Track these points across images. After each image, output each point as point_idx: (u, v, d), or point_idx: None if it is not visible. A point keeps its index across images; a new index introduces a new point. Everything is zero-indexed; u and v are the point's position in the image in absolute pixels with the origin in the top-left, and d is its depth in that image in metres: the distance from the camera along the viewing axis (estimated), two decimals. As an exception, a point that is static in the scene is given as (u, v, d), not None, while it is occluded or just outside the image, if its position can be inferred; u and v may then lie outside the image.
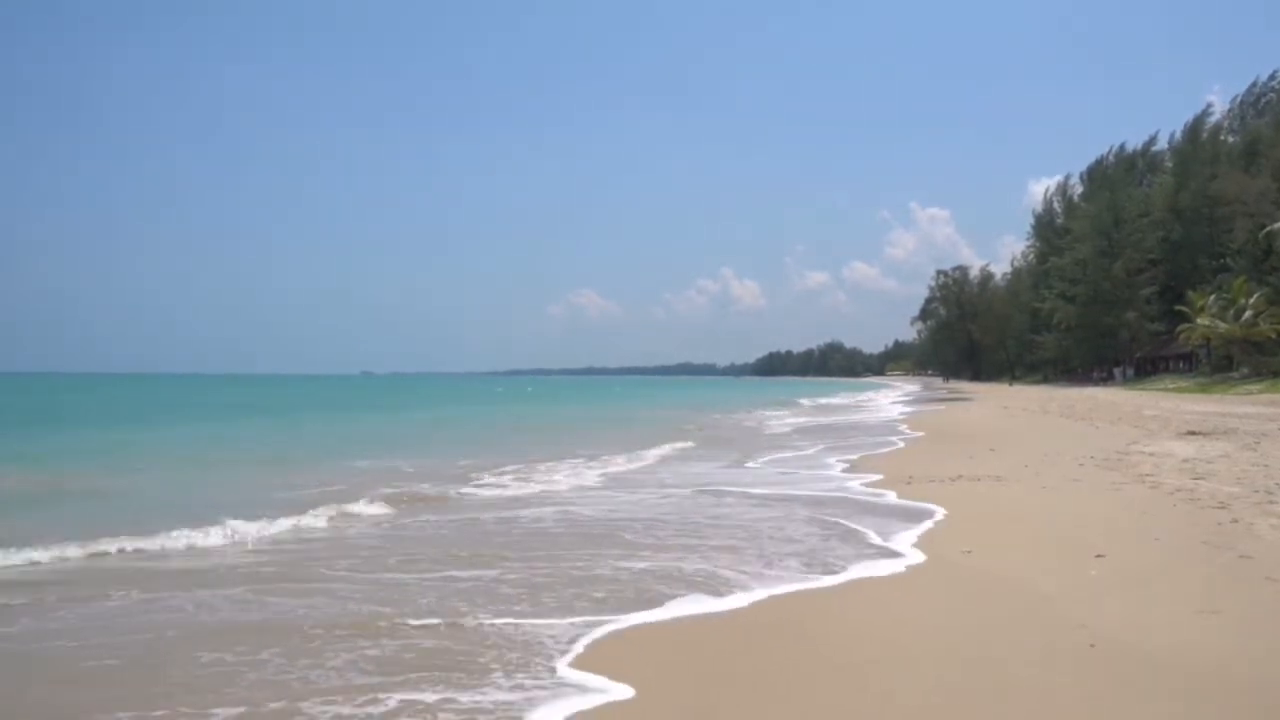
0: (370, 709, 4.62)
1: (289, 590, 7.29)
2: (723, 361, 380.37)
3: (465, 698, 4.77)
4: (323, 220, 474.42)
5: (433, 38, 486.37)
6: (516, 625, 6.13)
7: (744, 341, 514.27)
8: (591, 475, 16.09)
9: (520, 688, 4.93)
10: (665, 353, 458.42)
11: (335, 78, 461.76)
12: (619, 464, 18.05)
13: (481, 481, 15.06)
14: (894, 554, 8.50)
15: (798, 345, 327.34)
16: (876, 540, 9.19)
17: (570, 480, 15.32)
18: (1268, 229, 51.29)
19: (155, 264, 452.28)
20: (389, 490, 13.47)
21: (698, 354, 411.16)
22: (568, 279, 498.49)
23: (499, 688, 4.92)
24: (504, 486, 14.51)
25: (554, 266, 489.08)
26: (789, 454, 20.70)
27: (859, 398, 68.62)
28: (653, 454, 20.16)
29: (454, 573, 7.86)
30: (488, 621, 6.22)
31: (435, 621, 6.24)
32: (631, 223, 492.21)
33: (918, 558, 8.28)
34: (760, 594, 7.04)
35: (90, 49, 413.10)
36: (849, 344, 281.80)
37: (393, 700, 4.72)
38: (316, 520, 10.91)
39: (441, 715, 4.55)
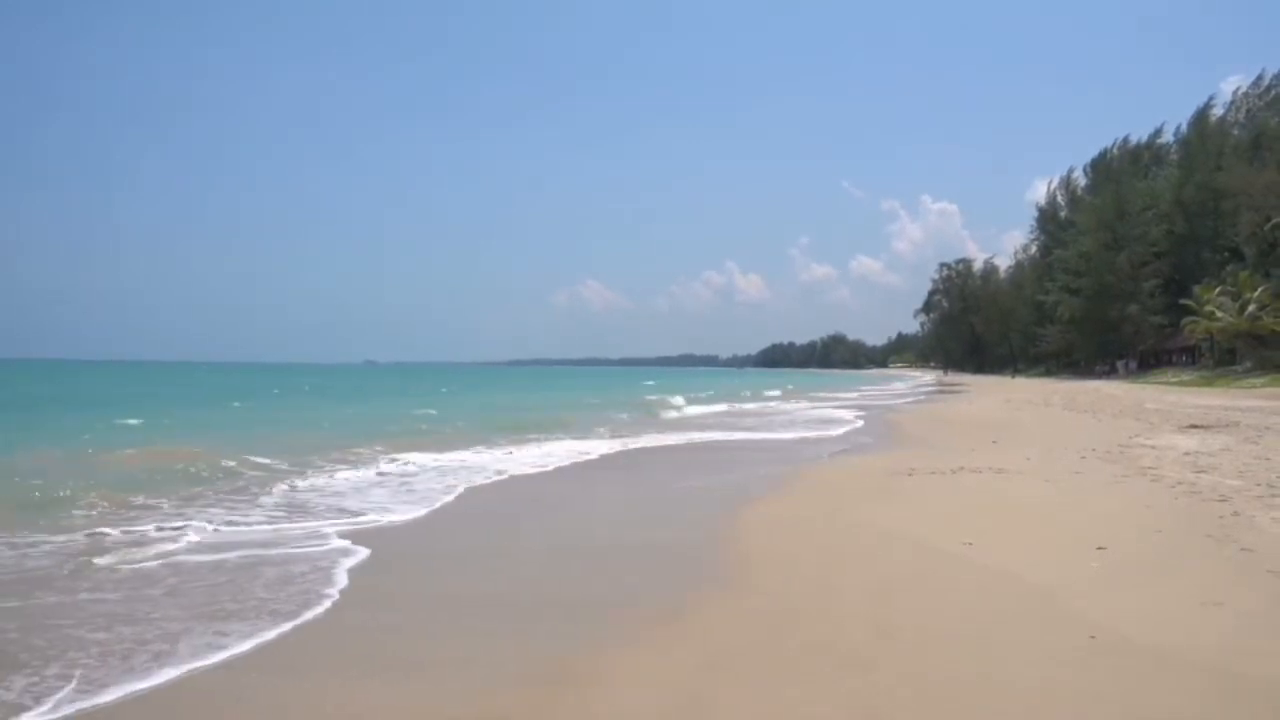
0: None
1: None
2: (725, 353, 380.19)
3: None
4: (327, 212, 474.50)
5: (443, 37, 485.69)
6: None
7: (747, 333, 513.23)
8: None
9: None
10: (667, 344, 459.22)
11: (343, 73, 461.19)
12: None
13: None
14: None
15: (800, 337, 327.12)
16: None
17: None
18: (1273, 222, 51.09)
19: (147, 261, 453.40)
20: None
21: (700, 345, 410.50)
22: (573, 270, 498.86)
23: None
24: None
25: (559, 257, 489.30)
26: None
27: (868, 390, 68.57)
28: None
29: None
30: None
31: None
32: (637, 215, 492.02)
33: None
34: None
35: (101, 44, 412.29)
36: (851, 336, 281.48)
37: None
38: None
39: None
